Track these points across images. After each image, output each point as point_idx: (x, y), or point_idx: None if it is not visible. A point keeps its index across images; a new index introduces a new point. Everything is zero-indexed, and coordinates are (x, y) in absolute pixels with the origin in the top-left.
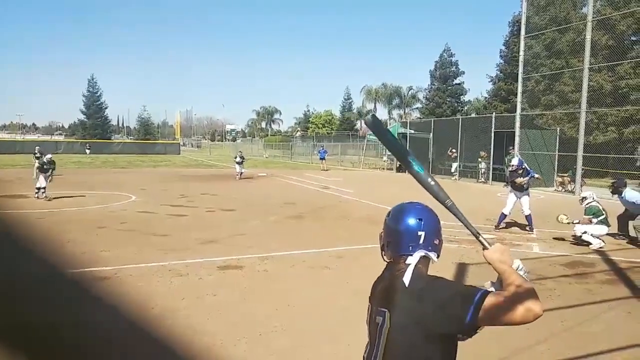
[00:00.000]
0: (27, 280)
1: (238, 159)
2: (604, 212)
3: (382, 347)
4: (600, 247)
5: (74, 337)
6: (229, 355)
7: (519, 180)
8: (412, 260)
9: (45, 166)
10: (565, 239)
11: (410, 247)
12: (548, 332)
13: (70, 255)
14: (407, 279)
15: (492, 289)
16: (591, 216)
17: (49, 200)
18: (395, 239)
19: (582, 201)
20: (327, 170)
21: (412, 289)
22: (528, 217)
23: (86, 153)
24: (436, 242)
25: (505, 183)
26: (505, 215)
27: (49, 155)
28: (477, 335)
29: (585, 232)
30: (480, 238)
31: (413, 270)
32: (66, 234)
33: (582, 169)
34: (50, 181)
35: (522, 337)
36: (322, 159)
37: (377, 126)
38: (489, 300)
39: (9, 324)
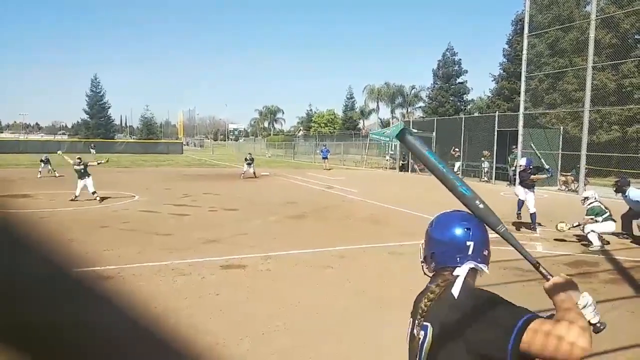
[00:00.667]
0: (30, 278)
1: (248, 160)
2: (607, 211)
3: None
4: (599, 249)
5: (76, 336)
6: (231, 355)
7: (535, 177)
8: (461, 272)
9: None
10: (567, 240)
11: (458, 259)
12: None
13: (73, 255)
14: (456, 290)
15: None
16: (593, 216)
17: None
18: (441, 249)
19: (584, 201)
20: (329, 169)
21: (460, 302)
22: (533, 216)
23: (91, 153)
24: (485, 253)
25: (508, 182)
26: (535, 214)
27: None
28: None
29: (592, 231)
30: (541, 269)
31: (462, 283)
32: (69, 233)
33: (586, 168)
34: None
35: None
36: (325, 158)
37: (412, 143)
38: (533, 326)
39: (12, 323)
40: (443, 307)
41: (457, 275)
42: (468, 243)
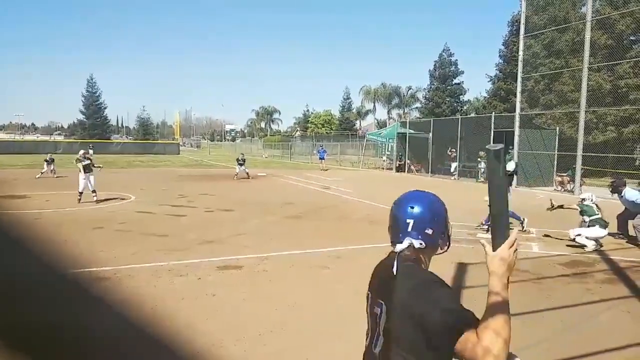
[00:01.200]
0: (24, 280)
1: (240, 160)
2: (597, 212)
3: (381, 338)
4: (595, 249)
5: (73, 337)
6: (228, 355)
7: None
8: (399, 247)
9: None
10: (560, 239)
11: (400, 235)
12: (547, 331)
13: (68, 256)
14: (395, 268)
15: None
16: (584, 216)
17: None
18: (390, 225)
19: (582, 202)
20: (326, 170)
21: (402, 281)
22: (513, 215)
23: (89, 153)
24: (429, 231)
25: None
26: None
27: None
28: None
29: (579, 235)
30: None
31: (402, 260)
32: (64, 234)
33: (582, 169)
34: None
35: (520, 336)
36: (322, 158)
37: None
38: (465, 337)
39: (7, 325)
40: (390, 284)
41: (397, 252)
42: (408, 221)
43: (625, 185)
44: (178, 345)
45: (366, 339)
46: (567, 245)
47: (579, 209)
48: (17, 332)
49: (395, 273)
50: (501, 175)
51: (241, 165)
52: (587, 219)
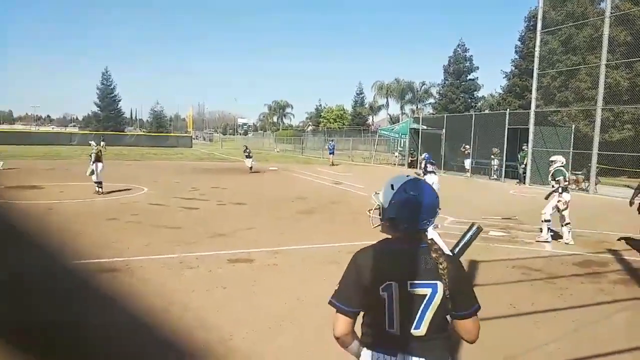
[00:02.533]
0: (39, 270)
1: (247, 153)
2: (568, 180)
3: (428, 317)
4: (544, 241)
5: (84, 326)
6: (238, 348)
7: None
8: (434, 234)
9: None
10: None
11: (429, 221)
12: (559, 331)
13: (81, 246)
14: (447, 250)
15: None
16: (561, 178)
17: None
18: (418, 212)
19: (552, 164)
20: (336, 165)
21: (456, 259)
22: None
23: (102, 146)
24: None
25: (517, 180)
26: None
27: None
28: (485, 333)
29: (549, 221)
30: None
31: (428, 244)
32: (77, 225)
33: (597, 167)
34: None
35: (531, 335)
36: (331, 153)
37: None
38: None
39: (22, 313)
40: (446, 265)
41: (432, 238)
42: (438, 209)
43: None
44: (188, 337)
45: (391, 320)
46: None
47: (559, 177)
48: (31, 321)
49: (453, 256)
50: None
51: (248, 157)
52: (560, 182)
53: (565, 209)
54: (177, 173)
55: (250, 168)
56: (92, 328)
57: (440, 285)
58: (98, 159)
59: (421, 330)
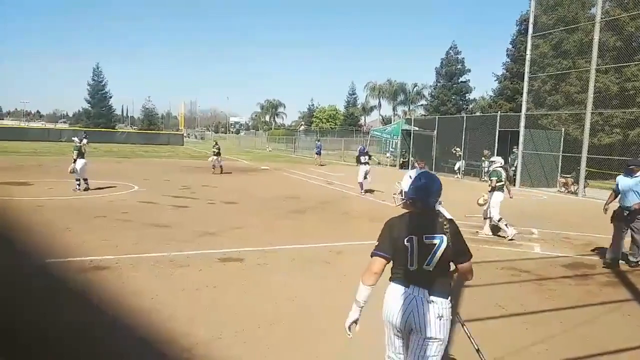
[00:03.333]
0: (25, 268)
1: (215, 150)
2: (502, 180)
3: (436, 259)
4: (513, 238)
5: (71, 325)
6: (227, 347)
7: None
8: (441, 208)
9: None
10: (567, 241)
11: (436, 199)
12: (546, 332)
13: (70, 244)
14: (449, 216)
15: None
16: (494, 179)
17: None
18: (427, 193)
19: (490, 164)
20: (323, 165)
21: (452, 223)
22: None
23: (85, 142)
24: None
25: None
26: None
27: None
28: (475, 334)
29: (501, 219)
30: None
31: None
32: (66, 223)
33: (586, 171)
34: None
35: (520, 336)
36: (318, 153)
37: None
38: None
39: (5, 314)
40: (448, 225)
41: (439, 210)
42: (440, 192)
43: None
44: (177, 335)
45: (410, 260)
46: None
47: (494, 178)
48: (19, 319)
49: (445, 217)
50: None
51: (217, 154)
52: (493, 180)
53: (484, 204)
54: (168, 171)
55: (214, 167)
56: (79, 328)
57: (445, 238)
58: (81, 155)
59: (430, 267)
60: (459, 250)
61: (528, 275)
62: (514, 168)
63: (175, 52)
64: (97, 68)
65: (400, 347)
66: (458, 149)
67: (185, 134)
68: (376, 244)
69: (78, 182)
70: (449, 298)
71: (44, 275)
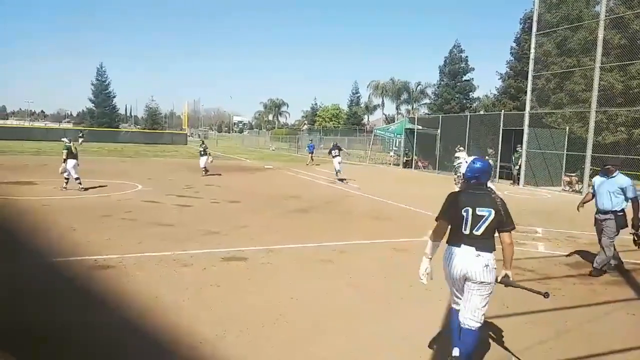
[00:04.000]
0: (31, 268)
1: (202, 149)
2: None
3: (484, 226)
4: None
5: (79, 320)
6: (231, 346)
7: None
8: (492, 186)
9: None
10: (572, 240)
11: (487, 180)
12: (551, 331)
13: (75, 243)
14: (499, 194)
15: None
16: (460, 175)
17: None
18: (481, 173)
19: (455, 160)
20: (317, 165)
21: (497, 198)
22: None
23: (79, 142)
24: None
25: (512, 181)
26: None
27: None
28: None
29: None
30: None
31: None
32: (71, 222)
33: (590, 169)
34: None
35: (523, 336)
36: (311, 152)
37: None
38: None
39: (12, 314)
40: (496, 201)
41: (490, 187)
42: (491, 172)
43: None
44: (181, 334)
45: (464, 226)
46: None
47: (455, 167)
48: (20, 330)
49: (497, 195)
50: None
51: (204, 154)
52: (459, 179)
53: None
54: (172, 170)
55: (204, 170)
56: (83, 326)
57: (493, 211)
58: (72, 156)
59: (479, 232)
60: (503, 221)
61: (532, 275)
62: (517, 167)
63: (179, 52)
64: (101, 68)
65: (460, 293)
66: (462, 147)
67: (188, 134)
68: (439, 212)
69: (66, 181)
70: (493, 252)
71: (50, 274)
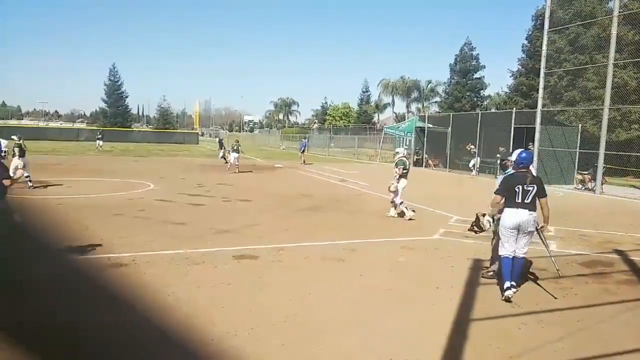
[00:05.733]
0: (45, 267)
1: (234, 146)
2: (407, 168)
3: (531, 196)
4: (412, 218)
5: (91, 320)
6: (242, 344)
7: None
8: (533, 170)
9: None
10: (585, 237)
11: (530, 164)
12: (563, 330)
13: (89, 241)
14: (535, 175)
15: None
16: (401, 167)
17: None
18: (527, 161)
19: (394, 155)
20: (309, 163)
21: (537, 179)
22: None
23: (97, 144)
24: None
25: None
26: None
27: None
28: (490, 333)
29: (402, 202)
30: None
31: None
32: (85, 221)
33: (604, 167)
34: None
35: (537, 335)
36: (302, 151)
37: None
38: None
39: (27, 313)
40: (537, 180)
41: (531, 171)
42: (533, 160)
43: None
44: (192, 332)
45: (517, 197)
46: (390, 216)
47: (401, 166)
48: (35, 330)
49: (535, 176)
50: None
51: (235, 150)
52: (398, 169)
53: (395, 191)
54: (183, 169)
55: (235, 166)
56: (96, 325)
57: (535, 186)
58: (22, 153)
59: (527, 200)
60: (541, 192)
61: (544, 274)
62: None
63: (189, 52)
64: (114, 68)
65: (514, 240)
66: (473, 146)
67: (200, 133)
68: (498, 189)
69: (28, 177)
70: (536, 211)
71: (61, 275)
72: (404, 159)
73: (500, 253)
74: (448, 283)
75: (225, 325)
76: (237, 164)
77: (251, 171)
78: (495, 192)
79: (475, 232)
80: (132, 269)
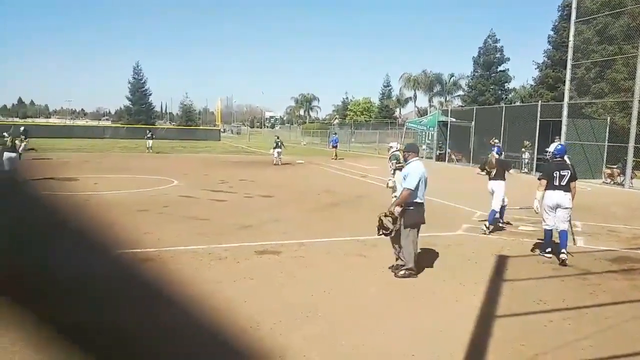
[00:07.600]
0: (76, 262)
1: (277, 142)
2: (402, 162)
3: (566, 179)
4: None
5: (118, 313)
6: (265, 338)
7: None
8: (567, 159)
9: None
10: (613, 233)
11: (564, 154)
12: (592, 328)
13: (116, 237)
14: (569, 162)
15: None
16: (394, 161)
17: None
18: (562, 153)
19: (389, 150)
20: (340, 159)
21: (572, 164)
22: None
23: (146, 143)
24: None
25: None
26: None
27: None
28: (514, 330)
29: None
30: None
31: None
32: (111, 217)
33: (633, 161)
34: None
35: (563, 332)
36: (334, 146)
37: None
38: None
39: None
40: (569, 166)
41: (565, 159)
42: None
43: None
44: (215, 326)
45: (555, 181)
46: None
47: (394, 160)
48: (73, 330)
49: (569, 163)
50: None
51: (279, 146)
52: (392, 163)
53: (393, 187)
54: (206, 166)
55: (278, 160)
56: (136, 322)
57: (569, 172)
58: (13, 149)
59: (564, 183)
60: (573, 177)
61: (571, 270)
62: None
63: (212, 49)
64: (137, 66)
65: (554, 215)
66: (497, 140)
67: (222, 129)
68: (542, 175)
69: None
70: (570, 192)
71: (93, 271)
72: (398, 152)
73: (543, 227)
74: (472, 279)
75: (248, 320)
76: (280, 157)
77: (290, 163)
78: (538, 178)
79: (385, 234)
80: (157, 263)
